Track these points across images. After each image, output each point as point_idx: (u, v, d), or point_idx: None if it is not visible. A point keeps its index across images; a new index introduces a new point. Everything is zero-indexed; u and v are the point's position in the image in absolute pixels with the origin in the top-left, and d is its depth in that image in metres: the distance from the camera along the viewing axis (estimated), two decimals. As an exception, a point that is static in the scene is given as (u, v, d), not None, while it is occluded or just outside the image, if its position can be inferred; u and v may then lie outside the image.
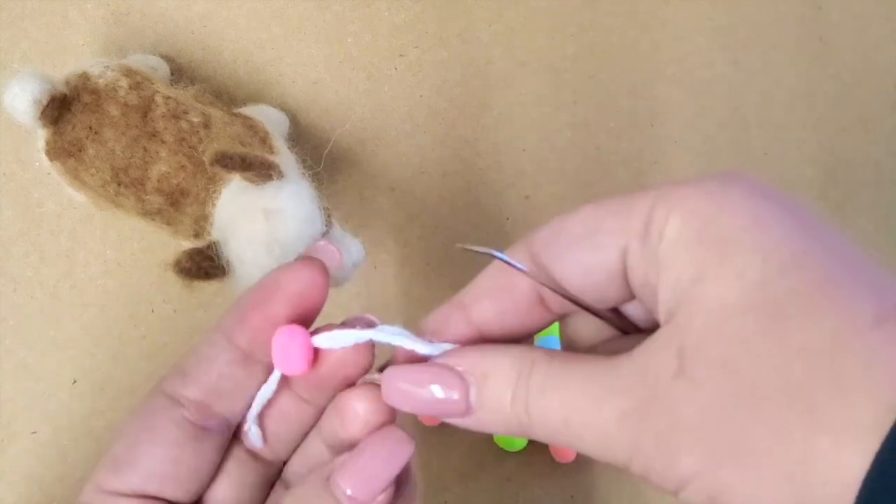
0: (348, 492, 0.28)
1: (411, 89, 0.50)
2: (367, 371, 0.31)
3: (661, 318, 0.25)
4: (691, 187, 0.25)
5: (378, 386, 0.30)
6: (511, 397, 0.27)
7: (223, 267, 0.37)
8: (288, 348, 0.30)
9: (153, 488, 0.31)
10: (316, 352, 0.30)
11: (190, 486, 0.31)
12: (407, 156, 0.50)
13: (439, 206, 0.50)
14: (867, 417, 0.21)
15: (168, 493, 0.31)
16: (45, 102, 0.38)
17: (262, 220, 0.35)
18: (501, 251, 0.29)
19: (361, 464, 0.29)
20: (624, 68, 0.52)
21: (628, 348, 0.26)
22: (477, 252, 0.30)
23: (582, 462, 0.50)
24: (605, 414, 0.25)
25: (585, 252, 0.27)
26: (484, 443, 0.49)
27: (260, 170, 0.36)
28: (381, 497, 0.29)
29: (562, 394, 0.26)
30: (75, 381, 0.48)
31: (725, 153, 0.52)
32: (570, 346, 0.32)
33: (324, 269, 0.31)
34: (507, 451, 0.49)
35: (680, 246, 0.25)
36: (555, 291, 0.29)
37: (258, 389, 0.31)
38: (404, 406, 0.29)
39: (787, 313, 0.23)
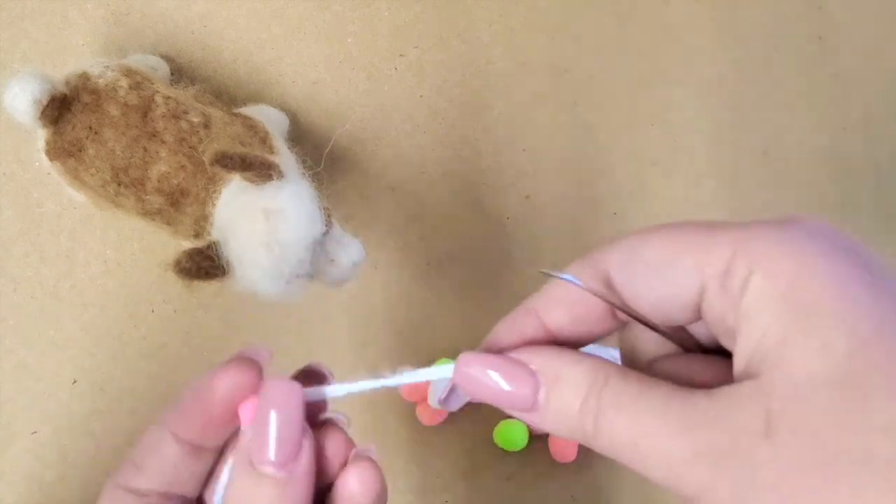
0: (271, 460, 0.29)
1: (411, 89, 0.50)
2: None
3: (740, 365, 0.27)
4: (772, 242, 0.26)
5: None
6: (580, 406, 0.28)
7: (223, 267, 0.37)
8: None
9: None
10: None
11: None
12: (407, 156, 0.50)
13: (439, 206, 0.50)
14: None
15: None
16: (45, 102, 0.38)
17: (262, 220, 0.35)
18: (576, 276, 0.30)
19: (266, 432, 0.29)
20: (624, 69, 0.52)
21: (697, 374, 0.28)
22: (555, 276, 0.30)
23: (582, 462, 0.50)
24: (679, 446, 0.26)
25: (662, 285, 0.28)
26: (484, 443, 0.49)
27: (260, 170, 0.36)
28: (305, 443, 0.30)
29: (633, 416, 0.27)
30: (75, 381, 0.48)
31: (725, 153, 0.52)
32: (630, 357, 0.32)
33: (257, 370, 0.31)
34: (507, 451, 0.49)
35: (763, 303, 0.26)
36: (627, 314, 0.30)
37: (209, 468, 0.32)
38: (470, 391, 0.30)
39: (872, 389, 0.24)
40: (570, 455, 0.49)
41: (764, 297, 0.26)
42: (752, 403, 0.25)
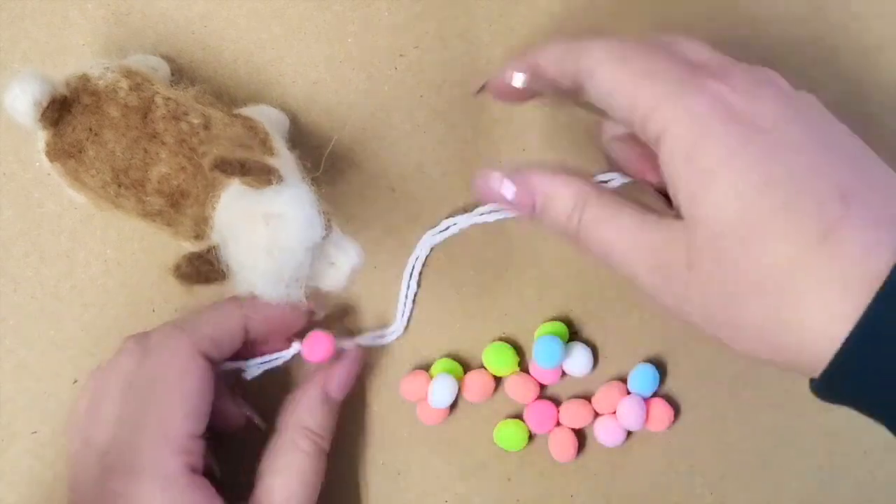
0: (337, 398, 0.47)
1: (412, 89, 0.50)
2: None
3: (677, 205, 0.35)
4: (681, 109, 0.34)
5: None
6: (566, 219, 0.38)
7: (223, 271, 0.37)
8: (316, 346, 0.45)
9: None
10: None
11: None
12: (407, 156, 0.50)
13: (439, 206, 0.50)
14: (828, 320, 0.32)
15: None
16: (45, 104, 0.38)
17: (261, 225, 0.35)
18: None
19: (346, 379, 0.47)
20: (624, 68, 0.52)
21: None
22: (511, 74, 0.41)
23: (582, 462, 0.50)
24: (639, 260, 0.36)
25: (608, 106, 0.38)
26: (484, 442, 0.50)
27: (259, 175, 0.36)
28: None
29: (605, 231, 0.37)
30: (75, 381, 0.48)
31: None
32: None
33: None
34: (507, 451, 0.49)
35: (673, 164, 0.34)
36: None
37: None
38: (483, 195, 0.41)
39: (757, 235, 0.32)
40: (570, 455, 0.49)
41: (673, 158, 0.34)
42: (681, 243, 0.34)
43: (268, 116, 0.46)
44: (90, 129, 0.39)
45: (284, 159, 0.41)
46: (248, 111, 0.45)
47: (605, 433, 0.49)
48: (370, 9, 0.50)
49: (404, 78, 0.50)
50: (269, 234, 0.35)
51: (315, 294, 0.39)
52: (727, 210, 0.33)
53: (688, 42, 0.38)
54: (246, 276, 0.36)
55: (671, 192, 0.35)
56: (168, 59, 0.48)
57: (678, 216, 0.35)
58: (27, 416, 0.47)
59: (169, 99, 0.41)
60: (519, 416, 0.49)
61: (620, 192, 0.38)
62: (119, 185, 0.40)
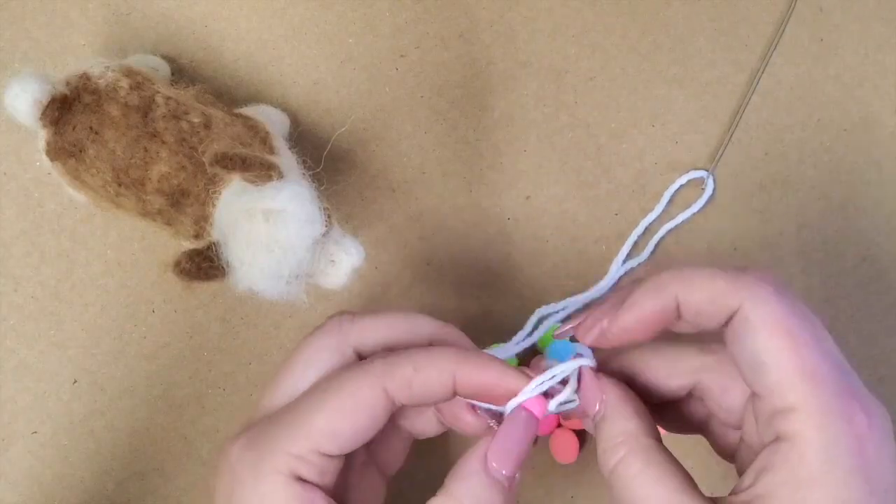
0: (504, 473, 0.35)
1: (412, 90, 0.50)
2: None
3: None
4: (825, 427, 0.31)
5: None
6: (605, 450, 0.35)
7: (223, 268, 0.37)
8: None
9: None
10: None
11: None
12: (408, 156, 0.50)
13: (440, 206, 0.50)
14: None
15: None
16: (45, 103, 0.38)
17: (262, 221, 0.35)
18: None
19: (512, 448, 0.36)
20: (625, 69, 0.52)
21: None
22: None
23: (582, 462, 0.50)
24: None
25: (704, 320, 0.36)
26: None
27: (260, 170, 0.36)
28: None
29: (636, 491, 0.34)
30: (75, 381, 0.48)
31: (725, 153, 0.52)
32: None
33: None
34: (507, 452, 0.49)
35: (792, 465, 0.31)
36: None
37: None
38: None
39: None
40: (570, 455, 0.49)
41: (783, 477, 0.32)
42: None
43: (268, 116, 0.46)
44: (91, 129, 0.39)
45: (285, 158, 0.41)
46: (249, 111, 0.45)
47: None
48: (371, 10, 0.50)
49: (405, 78, 0.50)
50: (269, 231, 0.35)
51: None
52: None
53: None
54: (246, 272, 0.36)
55: (752, 491, 0.33)
56: (169, 58, 0.48)
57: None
58: (27, 416, 0.47)
59: (169, 98, 0.41)
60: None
61: (669, 448, 0.35)
62: (119, 184, 0.40)
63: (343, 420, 0.35)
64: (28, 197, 0.48)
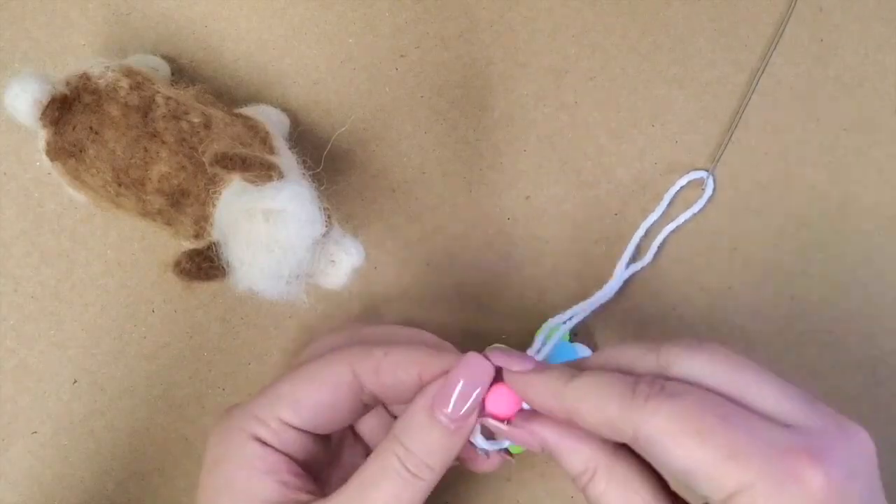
0: (446, 412, 0.36)
1: (412, 90, 0.50)
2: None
3: None
4: (767, 500, 0.30)
5: None
6: (573, 477, 0.36)
7: (223, 268, 0.37)
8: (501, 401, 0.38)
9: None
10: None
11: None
12: (408, 156, 0.50)
13: (440, 206, 0.50)
14: None
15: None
16: (45, 103, 0.38)
17: (262, 221, 0.35)
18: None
19: (452, 391, 0.36)
20: (625, 69, 0.52)
21: None
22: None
23: (582, 463, 0.50)
24: None
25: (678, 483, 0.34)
26: (484, 443, 0.49)
27: (260, 170, 0.36)
28: (472, 418, 0.36)
29: None
30: (75, 381, 0.48)
31: (725, 153, 0.52)
32: None
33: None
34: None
35: None
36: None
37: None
38: (490, 427, 0.37)
39: None
40: (570, 455, 0.49)
41: None
42: None
43: (268, 116, 0.46)
44: (91, 129, 0.39)
45: (285, 158, 0.41)
46: (249, 111, 0.45)
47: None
48: (371, 10, 0.50)
49: (405, 78, 0.50)
50: (269, 231, 0.35)
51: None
52: None
53: (766, 387, 0.33)
54: (246, 272, 0.36)
55: None
56: (169, 58, 0.48)
57: None
58: (27, 416, 0.47)
59: (169, 98, 0.41)
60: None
61: (638, 464, 0.35)
62: (119, 185, 0.40)
63: (305, 390, 0.37)
64: (28, 197, 0.48)
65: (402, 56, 0.50)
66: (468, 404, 0.36)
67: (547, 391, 0.35)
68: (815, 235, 0.52)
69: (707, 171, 0.51)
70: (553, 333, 0.46)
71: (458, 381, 0.36)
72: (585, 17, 0.52)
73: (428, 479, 0.35)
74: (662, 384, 0.32)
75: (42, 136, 0.40)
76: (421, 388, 0.37)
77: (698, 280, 0.51)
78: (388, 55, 0.50)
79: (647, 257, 0.50)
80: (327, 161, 0.47)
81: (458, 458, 0.38)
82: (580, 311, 0.49)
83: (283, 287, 0.37)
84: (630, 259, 0.50)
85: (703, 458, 0.31)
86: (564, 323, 0.48)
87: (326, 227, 0.37)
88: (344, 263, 0.39)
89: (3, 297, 0.47)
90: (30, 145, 0.47)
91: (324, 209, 0.37)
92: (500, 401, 0.37)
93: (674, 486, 0.36)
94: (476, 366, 0.36)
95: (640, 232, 0.50)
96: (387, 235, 0.50)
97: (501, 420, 0.37)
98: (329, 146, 0.48)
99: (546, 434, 0.36)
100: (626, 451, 0.35)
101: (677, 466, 0.31)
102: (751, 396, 0.32)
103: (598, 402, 0.33)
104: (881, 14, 0.53)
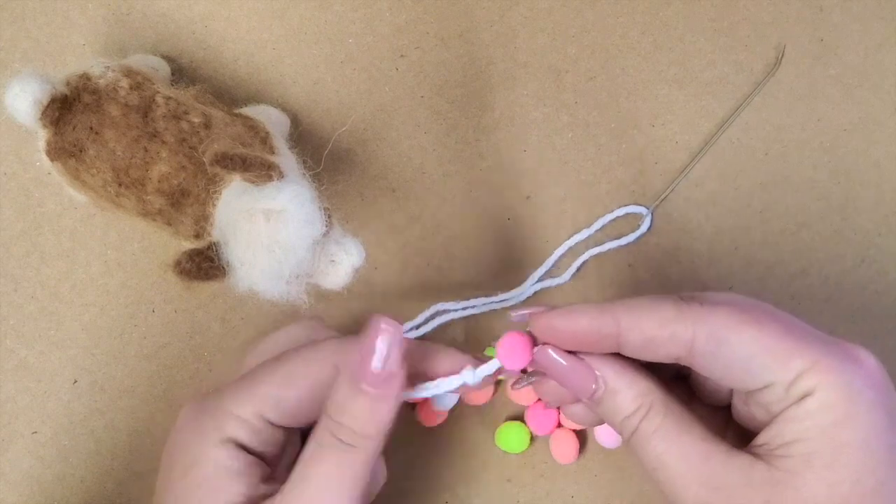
0: (367, 381, 0.35)
1: (412, 90, 0.50)
2: None
3: (763, 439, 0.34)
4: (836, 375, 0.33)
5: None
6: (621, 420, 0.36)
7: (223, 268, 0.37)
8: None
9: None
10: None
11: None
12: (408, 156, 0.50)
13: (440, 206, 0.50)
14: None
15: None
16: (45, 103, 0.38)
17: (262, 221, 0.35)
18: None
19: (368, 356, 0.35)
20: (625, 69, 0.52)
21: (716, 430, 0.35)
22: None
23: (582, 462, 0.50)
24: (694, 489, 0.34)
25: (740, 373, 0.34)
26: (484, 443, 0.49)
27: (260, 170, 0.36)
28: (399, 373, 0.36)
29: (663, 450, 0.35)
30: (75, 381, 0.48)
31: (726, 153, 0.52)
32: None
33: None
34: (507, 452, 0.49)
35: (809, 425, 0.33)
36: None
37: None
38: (543, 367, 0.37)
39: None
40: (570, 456, 0.49)
41: (813, 421, 0.32)
42: (764, 491, 0.33)
43: (268, 116, 0.46)
44: (91, 128, 0.39)
45: (285, 158, 0.41)
46: (249, 111, 0.45)
47: (606, 435, 0.49)
48: (371, 9, 0.50)
49: (405, 78, 0.50)
50: (269, 231, 0.35)
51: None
52: (856, 488, 0.32)
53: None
54: (246, 272, 0.36)
55: (778, 439, 0.34)
56: (169, 58, 0.48)
57: (755, 455, 0.34)
58: (27, 416, 0.47)
59: (169, 98, 0.41)
60: (520, 419, 0.49)
61: (689, 408, 0.36)
62: (119, 184, 0.40)
63: (288, 388, 0.37)
64: (28, 197, 0.48)
65: (402, 56, 0.50)
66: (386, 365, 0.36)
67: (594, 319, 0.35)
68: (815, 235, 0.52)
69: (647, 208, 0.51)
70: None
71: (372, 347, 0.35)
72: (585, 17, 0.52)
73: (365, 447, 0.36)
74: (703, 296, 0.35)
75: (42, 136, 0.40)
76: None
77: (698, 277, 0.51)
78: (388, 55, 0.50)
79: (567, 275, 0.50)
80: (327, 161, 0.47)
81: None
82: (476, 304, 0.49)
83: (283, 287, 0.37)
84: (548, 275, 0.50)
85: (767, 343, 0.33)
86: (456, 311, 0.48)
87: (326, 227, 0.37)
88: (344, 263, 0.39)
89: (3, 297, 0.47)
90: (30, 145, 0.47)
91: (324, 209, 0.37)
92: (513, 354, 0.37)
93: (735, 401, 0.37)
94: (385, 328, 0.36)
95: (562, 250, 0.50)
96: (387, 235, 0.50)
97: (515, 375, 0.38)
98: (329, 146, 0.48)
99: (605, 369, 0.36)
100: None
101: (743, 354, 0.33)
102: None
103: (653, 313, 0.34)
104: (881, 14, 0.53)
